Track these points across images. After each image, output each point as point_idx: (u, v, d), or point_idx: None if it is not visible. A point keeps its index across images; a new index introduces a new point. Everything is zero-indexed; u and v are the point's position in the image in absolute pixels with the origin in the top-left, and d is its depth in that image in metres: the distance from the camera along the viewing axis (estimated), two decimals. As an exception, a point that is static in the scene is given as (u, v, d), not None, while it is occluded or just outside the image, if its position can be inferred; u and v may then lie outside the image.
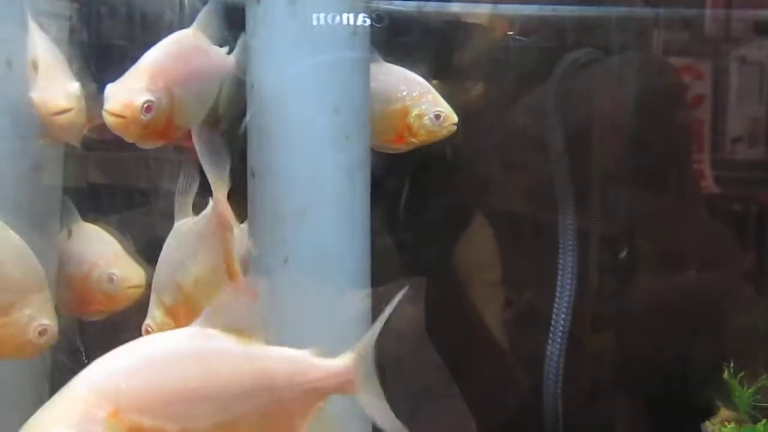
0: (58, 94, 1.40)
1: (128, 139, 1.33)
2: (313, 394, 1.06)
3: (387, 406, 1.10)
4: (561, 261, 2.03)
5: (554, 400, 2.01)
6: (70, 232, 1.57)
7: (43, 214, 1.55)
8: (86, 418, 0.88)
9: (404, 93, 1.60)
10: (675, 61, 2.21)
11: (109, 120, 1.30)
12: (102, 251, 1.55)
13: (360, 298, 1.40)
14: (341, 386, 1.07)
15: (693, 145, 2.20)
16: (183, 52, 1.41)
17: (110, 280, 1.51)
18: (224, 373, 0.98)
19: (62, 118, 1.39)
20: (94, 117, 1.42)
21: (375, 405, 1.10)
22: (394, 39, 1.82)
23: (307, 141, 1.41)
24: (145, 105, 1.29)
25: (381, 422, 1.11)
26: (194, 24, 1.45)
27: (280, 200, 1.41)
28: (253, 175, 1.44)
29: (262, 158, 1.43)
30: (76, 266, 1.54)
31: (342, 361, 1.08)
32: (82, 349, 1.59)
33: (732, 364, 1.56)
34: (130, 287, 1.53)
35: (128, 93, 1.30)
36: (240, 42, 1.49)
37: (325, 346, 1.31)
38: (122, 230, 1.63)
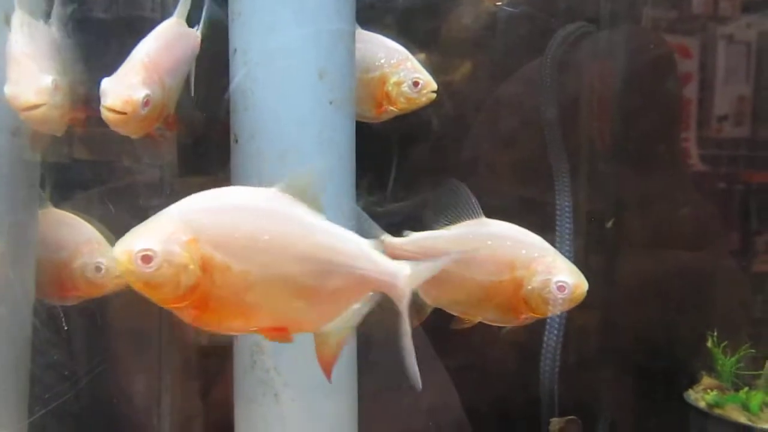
0: (29, 88, 1.34)
1: (124, 133, 1.32)
2: (362, 282, 1.13)
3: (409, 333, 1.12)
4: (558, 231, 2.00)
5: (551, 373, 1.98)
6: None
7: (22, 187, 1.52)
8: (170, 238, 1.07)
9: (383, 60, 1.58)
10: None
11: (108, 116, 1.29)
12: (82, 239, 1.53)
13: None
14: (388, 287, 1.12)
15: (684, 117, 2.19)
16: (170, 42, 1.41)
17: (98, 269, 1.49)
18: (291, 234, 1.12)
19: (35, 113, 1.34)
20: (81, 108, 1.42)
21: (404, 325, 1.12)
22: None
23: (291, 106, 1.39)
24: (145, 99, 1.29)
25: (402, 342, 1.13)
26: (176, 12, 1.47)
27: (263, 167, 1.39)
28: (236, 141, 1.42)
29: (246, 123, 1.40)
30: (54, 252, 1.51)
31: (399, 267, 1.13)
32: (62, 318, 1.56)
33: (716, 334, 1.57)
34: (119, 276, 1.50)
35: (127, 88, 1.29)
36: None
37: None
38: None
